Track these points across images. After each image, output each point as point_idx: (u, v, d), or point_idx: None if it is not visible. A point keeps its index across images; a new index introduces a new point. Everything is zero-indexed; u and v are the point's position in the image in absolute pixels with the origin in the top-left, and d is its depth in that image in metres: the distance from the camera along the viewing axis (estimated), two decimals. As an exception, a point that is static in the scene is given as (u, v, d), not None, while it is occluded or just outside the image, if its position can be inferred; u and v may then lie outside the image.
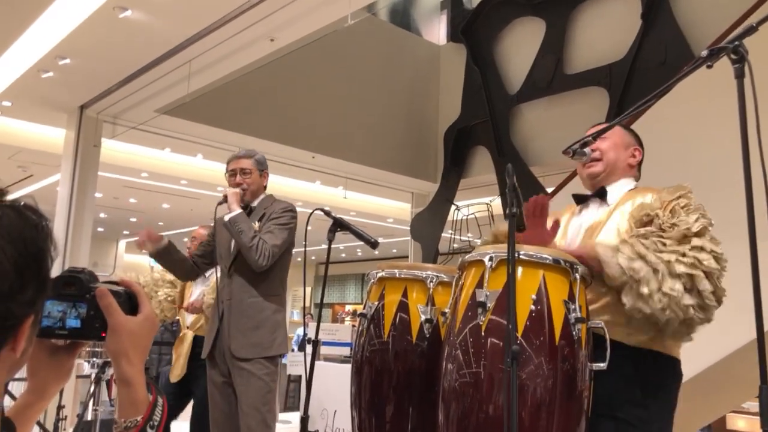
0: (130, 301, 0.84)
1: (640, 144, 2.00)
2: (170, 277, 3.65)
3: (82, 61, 4.82)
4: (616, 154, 1.93)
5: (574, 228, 1.95)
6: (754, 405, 5.22)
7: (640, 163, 1.99)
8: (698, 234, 1.61)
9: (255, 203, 2.84)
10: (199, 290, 3.51)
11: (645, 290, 1.58)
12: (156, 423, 0.79)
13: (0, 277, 0.58)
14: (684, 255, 1.58)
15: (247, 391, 2.61)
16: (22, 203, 0.65)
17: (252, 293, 2.69)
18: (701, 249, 1.59)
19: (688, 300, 1.57)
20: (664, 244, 1.62)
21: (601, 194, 1.92)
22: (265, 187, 2.91)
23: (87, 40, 4.50)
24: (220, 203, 2.79)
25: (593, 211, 1.93)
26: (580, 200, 1.99)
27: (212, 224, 3.56)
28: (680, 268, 1.57)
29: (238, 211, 2.68)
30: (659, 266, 1.58)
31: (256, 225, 2.71)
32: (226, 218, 2.68)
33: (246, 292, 2.69)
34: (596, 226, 1.85)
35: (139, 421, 0.78)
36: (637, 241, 1.64)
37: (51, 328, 0.80)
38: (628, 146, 1.96)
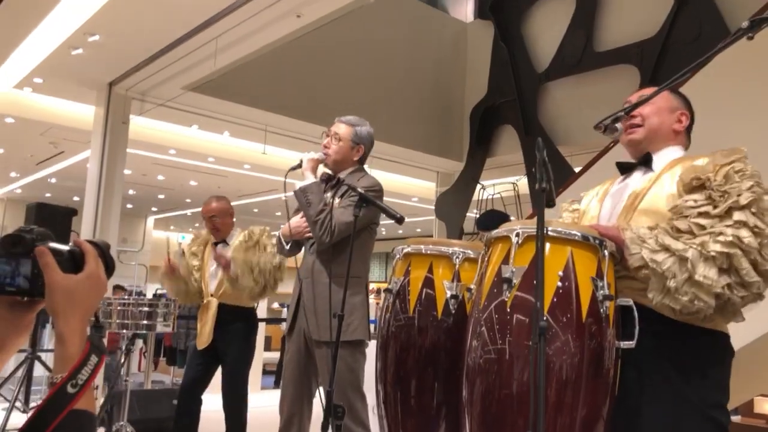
0: (74, 260, 0.85)
1: (689, 108, 1.85)
2: (192, 249, 3.67)
3: (110, 37, 4.86)
4: (660, 119, 1.80)
5: (615, 195, 1.83)
6: (783, 389, 5.14)
7: (689, 129, 1.85)
8: (745, 206, 1.50)
9: (342, 175, 2.62)
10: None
11: (672, 284, 1.50)
12: (80, 382, 0.78)
13: None
14: (721, 234, 1.49)
15: (325, 372, 2.46)
16: None
17: (332, 273, 2.47)
18: (744, 224, 1.49)
19: (723, 280, 1.48)
20: (702, 227, 1.52)
21: (646, 161, 1.79)
22: (358, 162, 2.69)
23: (115, 16, 4.53)
24: (292, 168, 2.56)
25: (637, 179, 1.79)
26: (625, 169, 1.86)
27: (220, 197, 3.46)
28: (716, 247, 1.48)
29: (310, 180, 2.53)
30: (688, 253, 1.50)
31: (337, 201, 2.52)
32: (297, 186, 2.55)
33: (323, 271, 2.52)
34: (639, 193, 1.73)
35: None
36: (664, 232, 1.55)
37: (1, 284, 0.83)
38: (674, 110, 1.82)
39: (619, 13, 6.19)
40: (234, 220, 3.65)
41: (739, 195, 1.51)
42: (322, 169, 2.69)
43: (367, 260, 2.68)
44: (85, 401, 0.78)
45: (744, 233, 1.48)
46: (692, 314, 1.54)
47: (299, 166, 2.58)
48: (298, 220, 2.62)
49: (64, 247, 0.86)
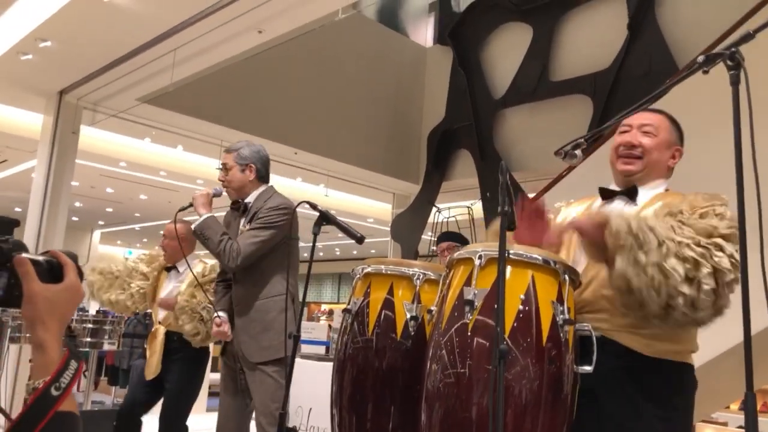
0: (52, 270, 0.87)
1: (682, 142, 1.83)
2: (144, 269, 3.57)
3: (63, 44, 4.71)
4: (659, 154, 1.76)
5: None
6: (722, 415, 5.28)
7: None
8: (725, 237, 1.47)
9: (249, 199, 2.71)
10: (172, 285, 3.43)
11: (642, 258, 1.45)
12: (63, 385, 0.80)
13: None
14: (698, 244, 1.45)
15: (259, 389, 2.58)
16: None
17: (257, 296, 2.61)
18: (721, 248, 1.46)
19: (684, 288, 1.43)
20: (682, 228, 1.48)
21: (630, 192, 1.77)
22: (259, 182, 2.74)
23: (69, 23, 4.40)
24: (182, 209, 2.66)
25: (618, 208, 1.75)
26: (607, 195, 1.82)
27: (180, 220, 3.47)
28: (689, 253, 1.44)
29: (203, 216, 2.59)
30: (668, 243, 1.45)
31: (245, 226, 2.63)
32: (193, 227, 2.62)
33: (251, 295, 2.62)
34: None
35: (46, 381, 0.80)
36: (653, 218, 1.52)
37: None
38: (671, 146, 1.79)
39: (574, 44, 6.38)
40: (189, 248, 3.46)
41: (715, 226, 1.49)
42: (220, 197, 2.74)
43: (294, 275, 2.73)
44: (68, 404, 0.80)
45: (720, 254, 1.45)
46: (640, 305, 1.49)
47: (190, 205, 2.64)
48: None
49: (40, 258, 0.87)
